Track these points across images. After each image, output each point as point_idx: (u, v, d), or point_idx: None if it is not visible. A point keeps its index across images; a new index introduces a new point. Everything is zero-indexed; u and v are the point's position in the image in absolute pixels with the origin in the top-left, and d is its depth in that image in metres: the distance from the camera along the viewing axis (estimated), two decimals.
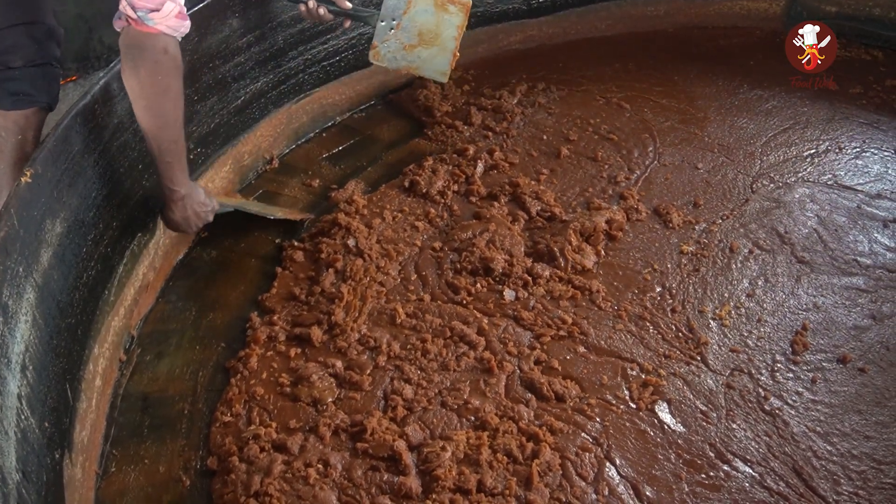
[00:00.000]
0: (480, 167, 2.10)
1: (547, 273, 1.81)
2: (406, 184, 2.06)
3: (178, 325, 1.77)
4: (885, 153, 2.13)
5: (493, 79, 2.45)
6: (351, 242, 1.88)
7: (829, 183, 2.06)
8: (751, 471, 1.44)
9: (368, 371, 1.62)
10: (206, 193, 1.81)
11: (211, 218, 1.83)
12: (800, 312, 1.72)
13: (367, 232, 1.91)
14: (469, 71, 2.48)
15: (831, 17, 2.58)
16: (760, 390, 1.57)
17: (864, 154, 2.14)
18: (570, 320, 1.71)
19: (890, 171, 2.08)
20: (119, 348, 1.68)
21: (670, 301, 1.75)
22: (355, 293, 1.77)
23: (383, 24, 1.95)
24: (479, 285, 1.79)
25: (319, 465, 1.44)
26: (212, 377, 1.65)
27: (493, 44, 2.54)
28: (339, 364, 1.63)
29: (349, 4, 1.91)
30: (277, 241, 1.96)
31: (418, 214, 1.98)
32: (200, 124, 1.95)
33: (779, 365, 1.62)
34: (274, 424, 1.52)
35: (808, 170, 2.10)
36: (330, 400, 1.57)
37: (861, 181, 2.05)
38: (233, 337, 1.73)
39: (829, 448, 1.48)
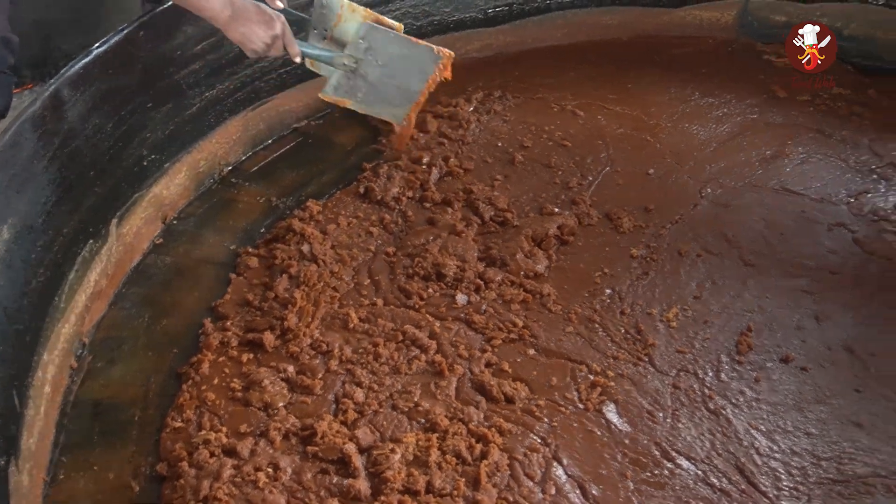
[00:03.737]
0: (435, 173, 2.13)
1: (499, 277, 1.83)
2: (361, 190, 2.08)
3: (131, 331, 1.76)
4: (830, 159, 2.19)
5: (449, 87, 2.45)
6: (305, 248, 1.89)
7: (775, 188, 2.11)
8: (695, 468, 1.47)
9: (320, 375, 1.63)
10: (260, 8, 1.74)
11: (279, 30, 1.77)
12: (745, 314, 1.76)
13: (321, 238, 1.93)
14: None
15: (780, 26, 2.64)
16: (705, 390, 1.61)
17: (809, 160, 2.19)
18: (521, 323, 1.73)
19: (834, 177, 2.13)
20: (70, 355, 1.67)
21: (619, 304, 1.79)
22: (308, 298, 1.78)
23: (315, 31, 1.94)
24: (431, 290, 1.81)
25: (269, 469, 1.45)
26: (164, 383, 1.65)
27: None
28: (290, 369, 1.64)
29: (280, 4, 1.83)
30: (233, 247, 1.96)
31: (373, 220, 2.00)
32: (155, 131, 1.95)
33: (724, 365, 1.66)
34: (224, 429, 1.52)
35: (756, 175, 2.15)
36: (281, 404, 1.58)
37: (806, 186, 2.10)
38: (186, 343, 1.73)
39: (770, 445, 1.51)
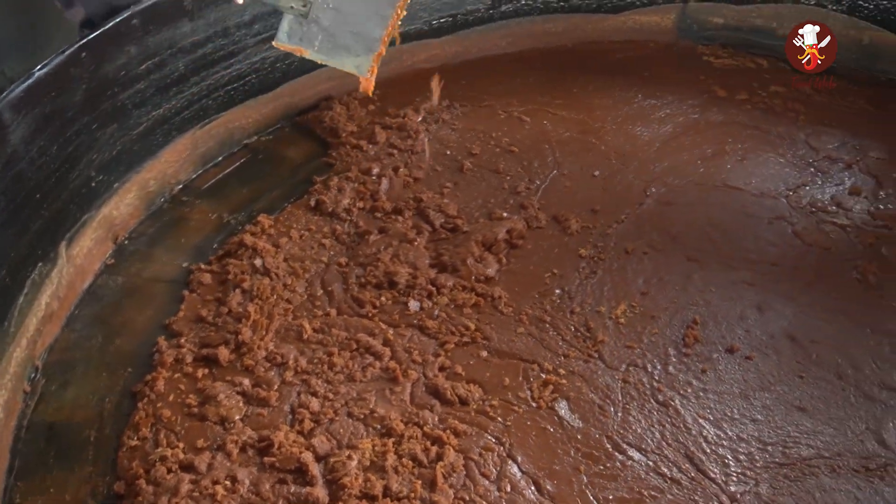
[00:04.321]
0: (385, 184, 2.15)
1: (450, 283, 1.86)
2: (312, 203, 2.09)
3: (84, 352, 1.76)
4: (769, 155, 2.25)
5: (397, 98, 2.50)
6: (258, 262, 1.90)
7: (717, 185, 2.16)
8: (646, 459, 1.51)
9: (276, 387, 1.64)
10: None
11: None
12: (690, 307, 1.81)
13: (274, 251, 1.94)
14: (374, 91, 2.52)
15: (718, 28, 2.71)
16: (654, 383, 1.65)
17: (749, 156, 2.25)
18: (473, 327, 1.76)
19: (773, 172, 2.19)
20: (23, 379, 1.67)
21: (569, 303, 1.82)
22: (262, 311, 1.79)
23: None
24: (384, 298, 1.83)
25: (227, 482, 1.46)
26: (119, 403, 1.65)
27: (398, 64, 2.59)
28: (246, 382, 1.65)
29: None
30: (185, 264, 1.96)
31: (325, 232, 2.02)
32: (101, 151, 1.95)
33: (671, 358, 1.70)
34: (181, 445, 1.53)
35: (699, 173, 2.20)
36: (237, 417, 1.59)
37: (747, 182, 2.16)
38: (140, 362, 1.73)
39: (718, 433, 1.56)
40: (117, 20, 1.92)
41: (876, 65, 2.56)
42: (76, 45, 1.83)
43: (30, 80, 1.73)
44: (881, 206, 2.08)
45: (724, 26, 2.72)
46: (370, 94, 1.95)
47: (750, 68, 2.62)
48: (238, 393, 1.63)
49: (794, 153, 2.25)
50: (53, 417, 1.63)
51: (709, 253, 1.95)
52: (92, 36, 1.86)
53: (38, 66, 1.76)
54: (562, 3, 2.72)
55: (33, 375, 1.70)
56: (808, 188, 2.13)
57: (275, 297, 1.83)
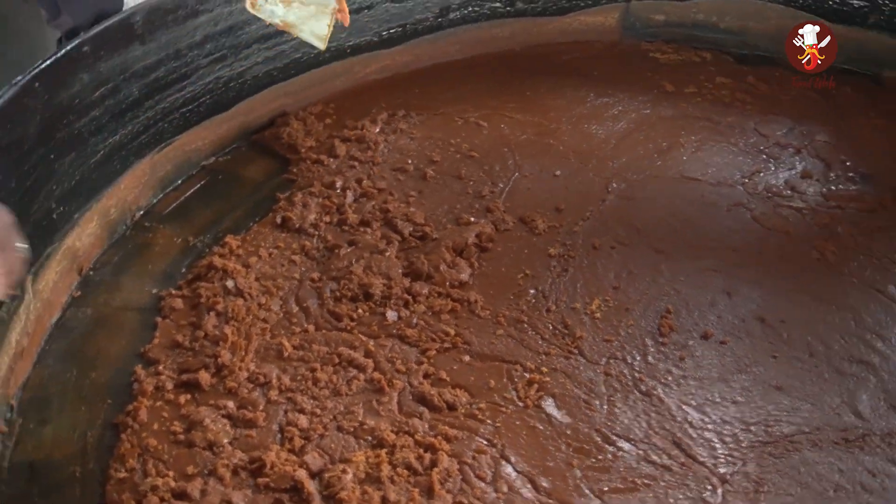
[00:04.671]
0: (350, 196, 2.15)
1: (426, 290, 1.87)
2: (278, 220, 2.08)
3: (60, 387, 1.72)
4: (721, 145, 2.32)
5: (353, 110, 2.50)
6: (230, 283, 1.88)
7: (675, 177, 2.22)
8: (635, 449, 1.54)
9: (261, 407, 1.63)
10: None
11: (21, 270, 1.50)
12: (662, 297, 1.85)
13: (244, 271, 1.92)
14: (329, 104, 2.53)
15: (660, 25, 2.78)
16: (635, 374, 1.68)
17: (703, 147, 2.32)
18: (452, 332, 1.77)
19: (727, 161, 2.26)
20: None
21: (545, 302, 1.85)
22: (239, 333, 1.78)
23: None
24: (360, 310, 1.83)
25: None
26: (101, 436, 1.62)
27: (350, 76, 2.60)
28: (230, 404, 1.63)
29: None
30: (154, 291, 1.93)
31: (294, 248, 2.01)
32: (60, 183, 1.91)
33: (649, 348, 1.74)
34: (171, 473, 1.51)
35: (656, 167, 2.25)
36: (226, 441, 1.57)
37: (703, 172, 2.22)
38: (118, 392, 1.70)
39: (702, 417, 1.60)
40: (68, 47, 1.89)
41: None
42: (29, 76, 1.79)
43: None
44: (832, 188, 2.16)
45: (667, 23, 2.79)
46: (347, 25, 1.91)
47: (695, 62, 2.70)
48: (224, 416, 1.61)
49: (745, 141, 2.32)
50: (34, 456, 1.59)
51: (674, 243, 2.00)
52: (44, 65, 1.82)
53: None
54: (508, 9, 2.75)
55: (9, 415, 1.65)
56: (762, 174, 2.20)
57: (250, 317, 1.82)
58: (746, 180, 2.18)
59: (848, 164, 2.24)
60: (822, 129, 2.37)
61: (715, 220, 2.07)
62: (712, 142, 2.34)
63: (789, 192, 2.14)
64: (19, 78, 1.79)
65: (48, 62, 1.84)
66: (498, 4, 2.74)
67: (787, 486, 1.48)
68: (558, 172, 2.25)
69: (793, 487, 1.48)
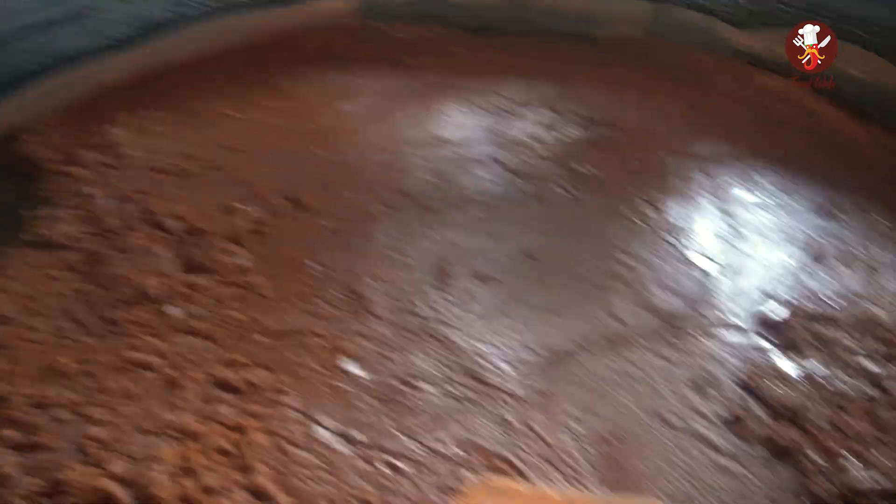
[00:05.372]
0: (107, 203, 2.05)
1: (207, 282, 1.84)
2: (30, 239, 1.94)
3: None
4: (462, 108, 2.50)
5: (93, 116, 2.39)
6: None
7: (430, 141, 2.35)
8: (436, 388, 1.63)
9: (50, 428, 1.53)
10: None
11: None
12: (437, 250, 1.96)
13: (5, 297, 1.79)
14: (65, 114, 2.39)
15: (397, 5, 2.92)
16: (423, 321, 1.77)
17: (451, 112, 2.48)
18: (243, 317, 1.77)
19: (474, 122, 2.44)
20: None
21: (328, 273, 1.89)
22: (10, 360, 1.65)
23: None
24: (138, 311, 1.77)
25: None
26: None
27: (86, 83, 2.47)
28: (14, 434, 1.52)
29: None
30: None
31: (57, 265, 1.89)
32: None
33: (433, 296, 1.84)
34: None
35: (411, 133, 2.37)
36: (14, 473, 1.46)
37: (454, 133, 2.37)
38: None
39: (490, 348, 1.72)
40: None
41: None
42: None
43: None
44: (565, 133, 2.39)
45: (404, 2, 2.93)
46: None
47: (429, 37, 2.86)
48: (9, 448, 1.50)
49: (486, 101, 2.51)
50: None
51: (440, 200, 2.12)
52: None
53: None
54: (245, 0, 2.75)
55: None
56: (506, 129, 2.39)
57: (17, 340, 1.70)
58: (494, 136, 2.36)
59: (575, 111, 2.49)
60: (544, 84, 2.62)
61: (473, 175, 2.21)
62: (458, 106, 2.50)
63: (531, 140, 2.34)
64: None
65: None
66: None
67: (572, 391, 1.64)
68: (318, 151, 2.29)
69: (577, 391, 1.64)
